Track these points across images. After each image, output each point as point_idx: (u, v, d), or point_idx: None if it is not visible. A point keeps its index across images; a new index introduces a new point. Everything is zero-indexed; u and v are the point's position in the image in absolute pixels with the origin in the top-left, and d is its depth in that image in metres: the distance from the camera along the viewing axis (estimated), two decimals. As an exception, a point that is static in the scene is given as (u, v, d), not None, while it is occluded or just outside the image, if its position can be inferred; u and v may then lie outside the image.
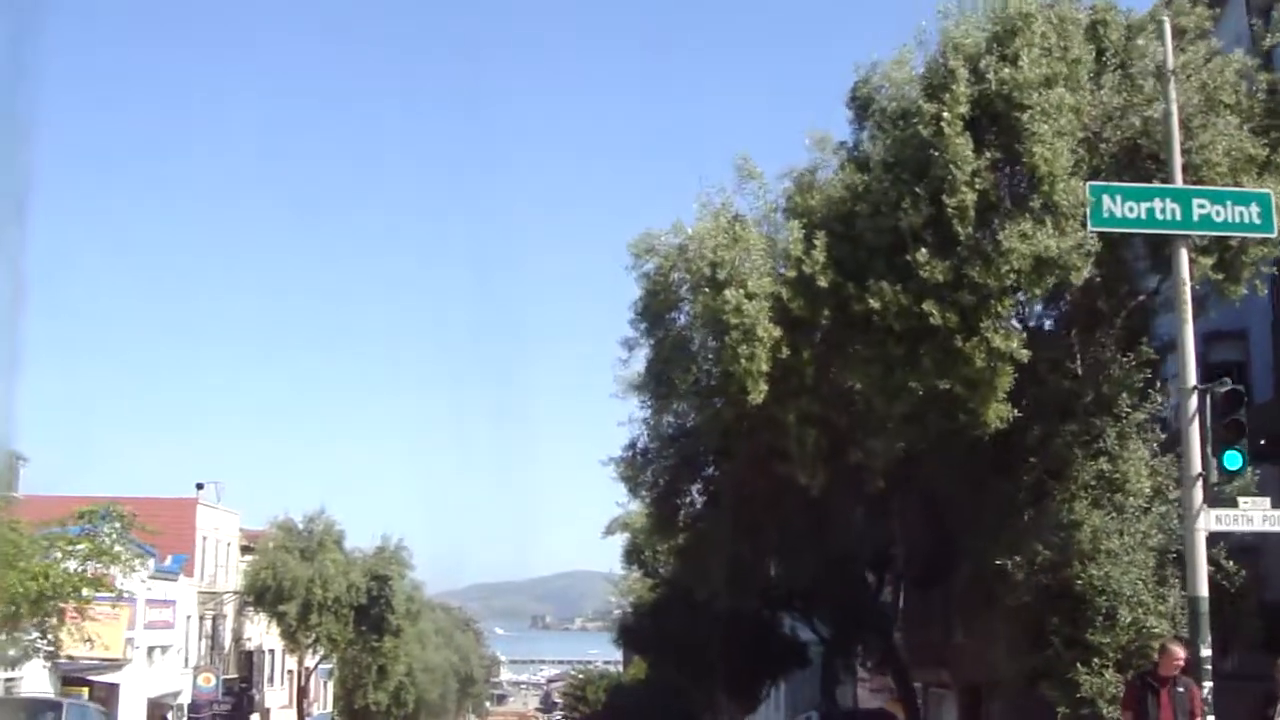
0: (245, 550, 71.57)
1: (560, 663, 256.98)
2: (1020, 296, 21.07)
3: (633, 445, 26.95)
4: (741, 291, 20.01)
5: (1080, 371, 22.95)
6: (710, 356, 21.37)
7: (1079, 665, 21.31)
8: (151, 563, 60.42)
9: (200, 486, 71.36)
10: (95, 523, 36.93)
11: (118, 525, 41.78)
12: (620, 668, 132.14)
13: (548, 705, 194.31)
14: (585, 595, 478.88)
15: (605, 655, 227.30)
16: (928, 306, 19.82)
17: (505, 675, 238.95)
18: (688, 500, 29.17)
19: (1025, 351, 20.27)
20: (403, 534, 69.69)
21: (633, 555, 51.41)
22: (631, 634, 57.54)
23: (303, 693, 70.64)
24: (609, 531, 51.00)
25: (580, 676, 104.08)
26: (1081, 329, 23.07)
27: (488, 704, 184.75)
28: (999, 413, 20.51)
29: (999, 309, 20.10)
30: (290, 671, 79.58)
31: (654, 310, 22.42)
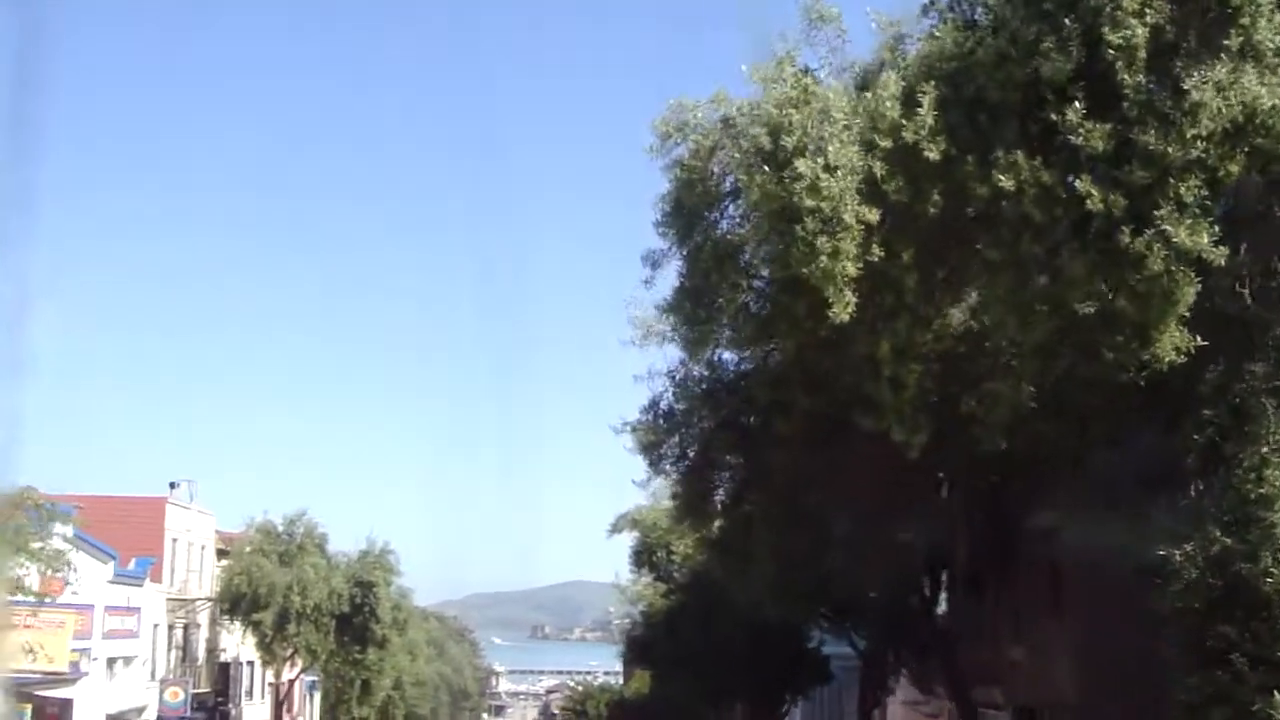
0: (222, 554, 65.30)
1: (559, 673, 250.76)
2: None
3: (654, 406, 20.52)
4: (819, 162, 13.75)
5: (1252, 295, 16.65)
6: (768, 264, 15.09)
7: (1276, 693, 15.22)
8: (111, 566, 54.50)
9: (174, 486, 65.28)
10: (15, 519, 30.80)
11: (53, 523, 36.14)
12: (620, 679, 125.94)
13: (546, 716, 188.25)
14: (585, 605, 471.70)
15: (605, 666, 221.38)
16: (1082, 186, 13.69)
17: (504, 686, 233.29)
18: (726, 476, 22.38)
19: (1220, 250, 14.05)
20: (389, 537, 63.19)
21: (643, 557, 45.08)
22: (640, 646, 50.78)
23: (281, 707, 64.24)
24: (615, 529, 44.93)
25: (580, 690, 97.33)
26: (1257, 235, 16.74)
27: (485, 715, 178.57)
28: (1178, 341, 14.32)
29: (1182, 190, 13.87)
30: (272, 684, 73.32)
31: (688, 210, 16.18)
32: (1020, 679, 32.60)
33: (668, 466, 21.72)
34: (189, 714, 57.70)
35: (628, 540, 45.49)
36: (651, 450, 20.72)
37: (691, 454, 21.35)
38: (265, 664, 61.67)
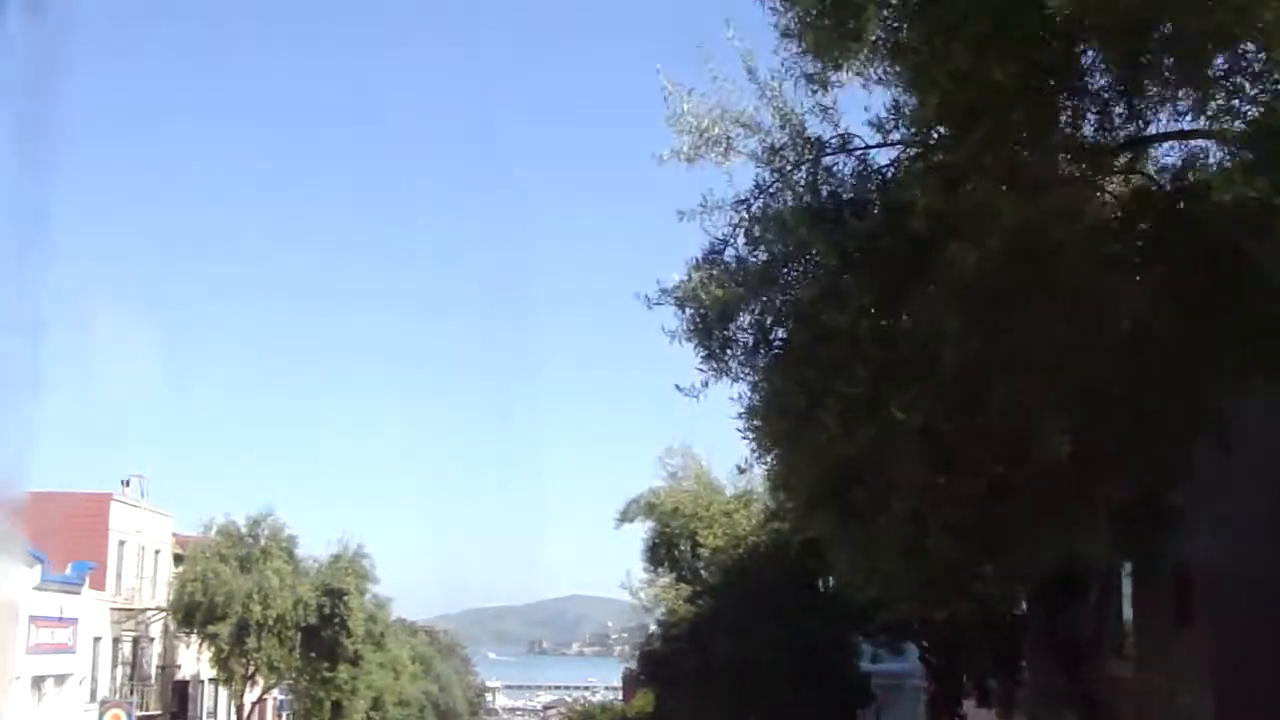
0: (180, 560, 57.43)
1: (557, 688, 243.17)
2: None
3: (715, 254, 12.23)
4: None
5: None
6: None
7: None
8: (39, 570, 46.72)
9: (126, 484, 57.50)
10: None
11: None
12: (620, 696, 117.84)
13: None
14: (583, 620, 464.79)
15: (603, 681, 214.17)
16: None
17: (501, 701, 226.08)
18: (845, 379, 11.92)
19: None
20: (377, 547, 55.31)
21: (660, 552, 36.66)
22: (656, 662, 41.36)
23: None
24: (625, 518, 36.94)
25: (579, 708, 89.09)
26: None
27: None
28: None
29: None
30: (238, 705, 65.43)
31: None
32: (1138, 701, 24.98)
33: (737, 364, 12.62)
34: (134, 739, 49.83)
35: (640, 532, 37.38)
36: (710, 331, 12.31)
37: (782, 331, 12.64)
38: (222, 682, 53.65)
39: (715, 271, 11.95)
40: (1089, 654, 21.88)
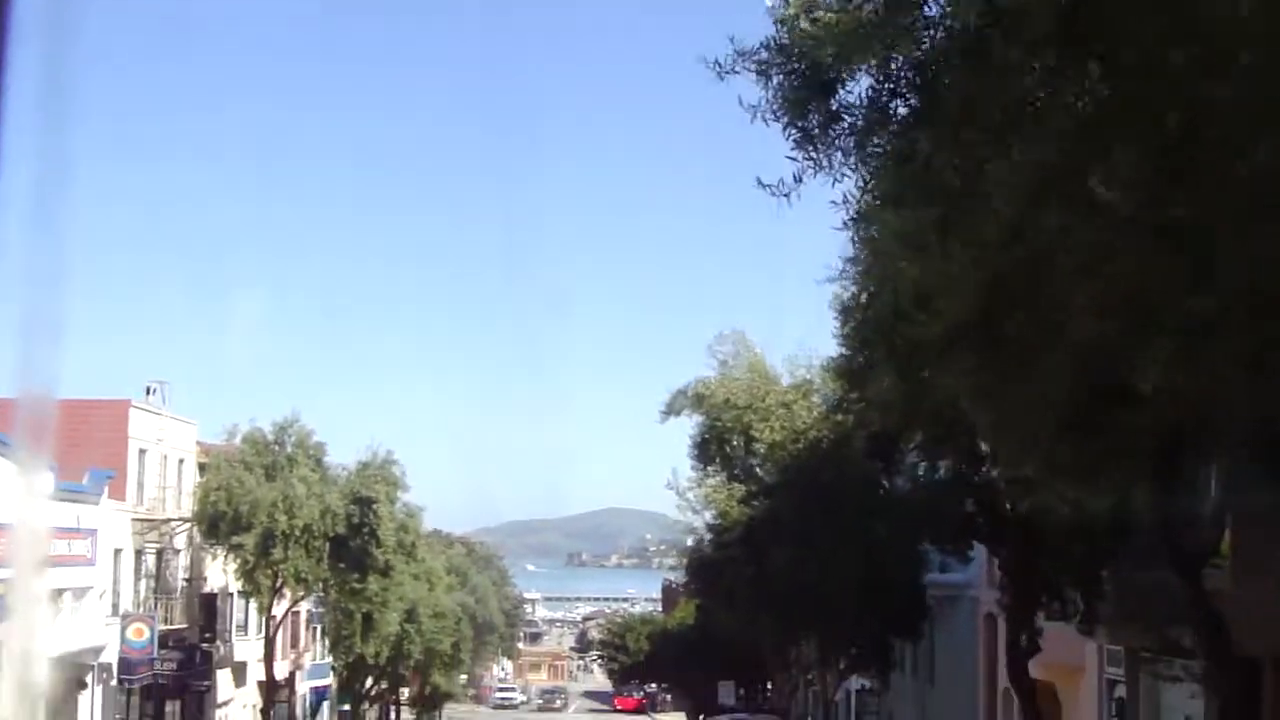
0: (206, 470, 54.97)
1: (596, 600, 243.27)
2: None
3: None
4: None
5: None
6: None
7: None
8: (50, 478, 44.30)
9: (150, 392, 54.95)
10: None
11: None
12: (660, 608, 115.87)
13: (583, 644, 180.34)
14: (622, 532, 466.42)
15: (643, 593, 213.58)
16: None
17: (540, 613, 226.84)
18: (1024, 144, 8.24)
19: None
20: (393, 446, 52.26)
21: (710, 448, 33.44)
22: (706, 571, 38.01)
23: (273, 645, 54.01)
24: (671, 411, 33.75)
25: (618, 621, 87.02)
26: None
27: (519, 644, 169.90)
28: None
29: None
30: (274, 617, 63.34)
31: None
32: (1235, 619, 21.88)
33: (838, 153, 9.11)
34: (156, 654, 47.63)
35: (687, 427, 33.96)
36: (807, 103, 8.80)
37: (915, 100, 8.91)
38: (247, 595, 51.27)
39: (818, 18, 8.55)
40: (1203, 564, 18.84)
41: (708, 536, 34.53)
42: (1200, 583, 18.30)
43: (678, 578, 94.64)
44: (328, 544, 49.14)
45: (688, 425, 33.97)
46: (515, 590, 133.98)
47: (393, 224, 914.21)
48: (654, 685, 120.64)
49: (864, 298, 20.70)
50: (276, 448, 52.07)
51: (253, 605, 57.33)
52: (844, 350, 21.76)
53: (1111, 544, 23.20)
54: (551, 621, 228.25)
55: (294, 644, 67.05)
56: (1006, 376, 10.00)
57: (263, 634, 57.08)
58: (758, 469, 31.54)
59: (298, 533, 48.30)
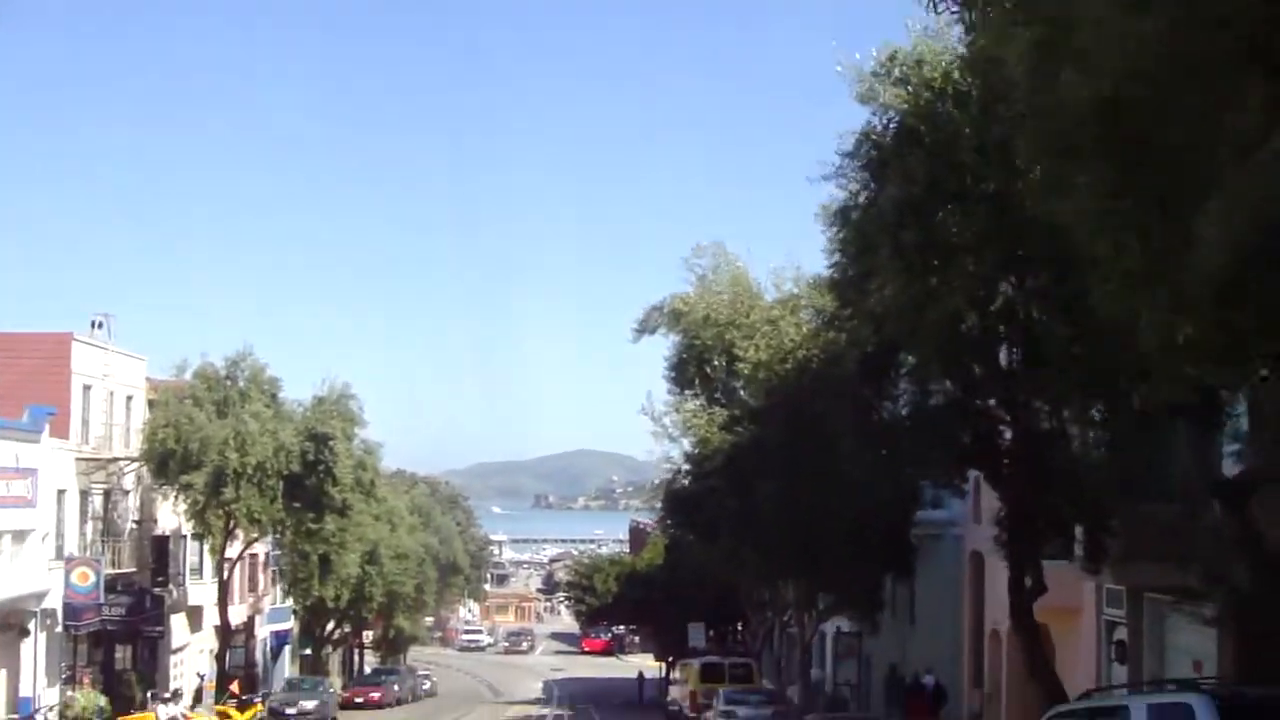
0: (154, 406, 52.37)
1: (563, 541, 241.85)
2: None
3: None
4: None
5: None
6: None
7: None
8: (-20, 414, 41.83)
9: (97, 325, 52.16)
10: None
11: None
12: (627, 549, 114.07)
13: (550, 586, 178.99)
14: (589, 474, 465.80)
15: (610, 534, 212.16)
16: None
17: (507, 555, 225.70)
18: None
19: None
20: (350, 379, 49.84)
21: (688, 370, 30.74)
22: (686, 504, 34.91)
23: (227, 588, 51.76)
24: (644, 329, 31.10)
25: (586, 563, 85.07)
26: None
27: (485, 586, 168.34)
28: None
29: None
30: (228, 560, 61.00)
31: None
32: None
33: None
34: (103, 599, 45.26)
35: (663, 348, 31.14)
36: None
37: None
38: (199, 537, 48.96)
39: None
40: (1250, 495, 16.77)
41: (685, 467, 31.46)
42: (1245, 515, 16.23)
43: (646, 518, 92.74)
44: (282, 483, 46.81)
45: (663, 346, 31.28)
46: (481, 531, 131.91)
47: (347, 143, 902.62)
48: (621, 627, 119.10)
49: (863, 197, 18.48)
50: (228, 383, 49.62)
51: (207, 548, 55.06)
52: (837, 259, 19.53)
53: (1128, 477, 21.19)
54: (518, 563, 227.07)
55: (252, 587, 64.79)
56: (1153, 206, 7.47)
57: (218, 577, 54.82)
58: (741, 392, 28.87)
59: (250, 471, 45.94)
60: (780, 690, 45.64)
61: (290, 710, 51.57)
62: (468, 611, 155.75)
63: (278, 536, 51.11)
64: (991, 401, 22.31)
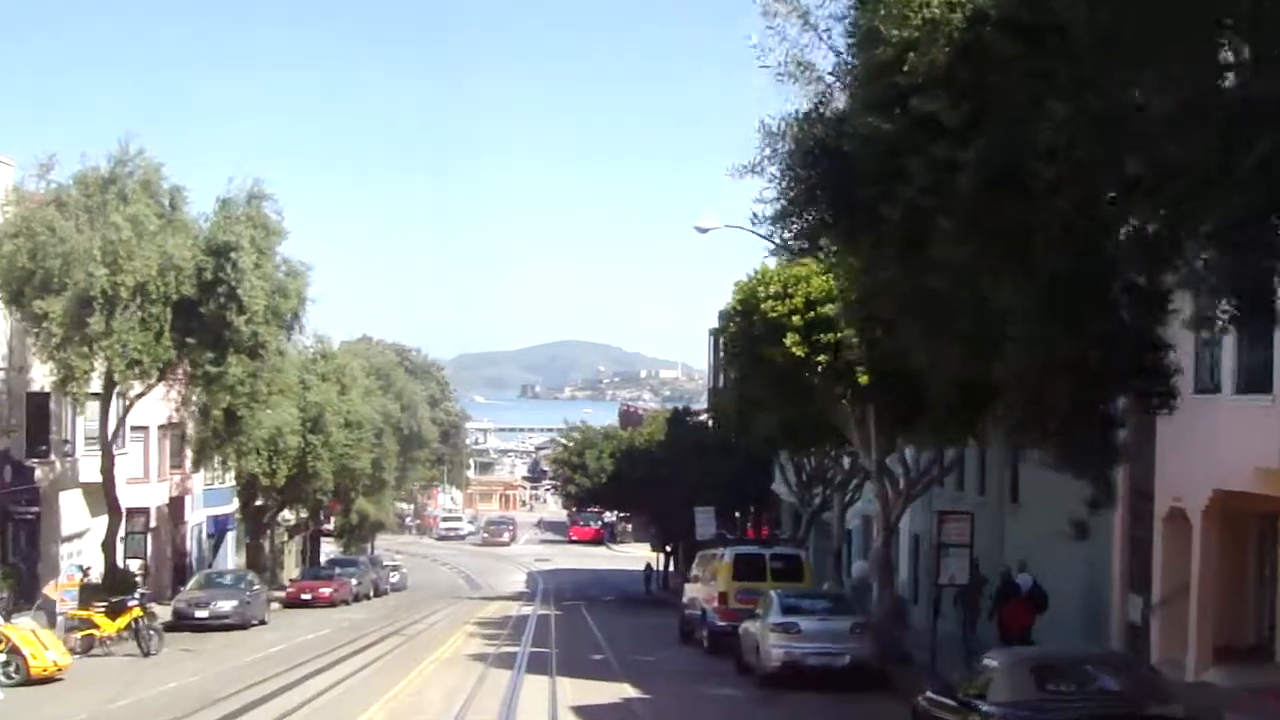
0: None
1: (550, 430, 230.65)
2: None
3: None
4: None
5: None
6: None
7: None
8: None
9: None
10: None
11: None
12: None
13: (535, 474, 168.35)
14: (575, 365, 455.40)
15: (597, 424, 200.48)
16: None
17: (493, 443, 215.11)
18: None
19: None
20: (263, 177, 36.57)
21: None
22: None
23: (110, 455, 38.77)
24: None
25: (577, 437, 72.41)
26: None
27: (468, 473, 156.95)
28: None
29: None
30: (162, 427, 48.21)
31: None
32: None
33: None
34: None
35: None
36: None
37: None
38: (61, 387, 35.70)
39: None
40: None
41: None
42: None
43: (640, 405, 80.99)
44: (169, 311, 33.95)
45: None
46: (457, 405, 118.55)
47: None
48: (613, 514, 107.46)
49: None
50: (112, 187, 36.42)
51: (112, 411, 42.05)
52: None
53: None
54: (504, 452, 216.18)
55: (178, 461, 52.09)
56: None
57: (118, 443, 42.11)
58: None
59: (125, 295, 33.08)
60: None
61: (200, 613, 39.15)
62: (449, 499, 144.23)
63: (170, 383, 38.19)
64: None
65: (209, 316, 34.15)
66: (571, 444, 72.16)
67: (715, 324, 70.27)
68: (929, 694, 16.24)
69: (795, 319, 24.58)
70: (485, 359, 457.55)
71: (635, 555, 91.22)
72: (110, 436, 38.50)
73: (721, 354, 37.29)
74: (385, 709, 21.36)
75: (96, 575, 39.17)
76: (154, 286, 33.46)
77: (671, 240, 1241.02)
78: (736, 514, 62.80)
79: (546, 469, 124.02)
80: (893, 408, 25.15)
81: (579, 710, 21.71)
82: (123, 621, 31.53)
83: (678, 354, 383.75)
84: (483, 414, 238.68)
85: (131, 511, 44.94)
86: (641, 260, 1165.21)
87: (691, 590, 37.25)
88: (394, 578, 68.88)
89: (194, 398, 37.93)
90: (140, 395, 38.22)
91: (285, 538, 70.77)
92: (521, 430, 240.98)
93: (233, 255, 33.60)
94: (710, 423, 57.08)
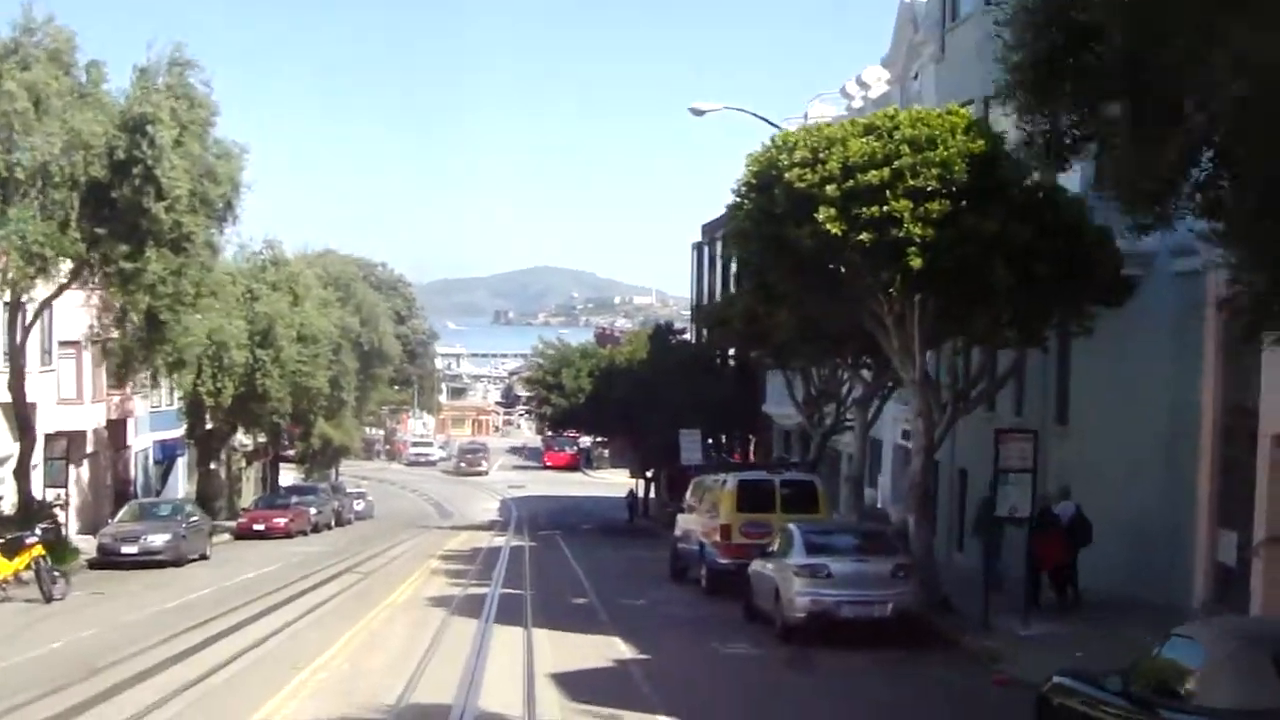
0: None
1: (522, 355, 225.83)
2: None
3: None
4: None
5: None
6: None
7: None
8: None
9: None
10: None
11: None
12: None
13: (509, 399, 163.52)
14: (549, 291, 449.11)
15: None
16: None
17: (465, 369, 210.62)
18: None
19: None
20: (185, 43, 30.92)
21: None
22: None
23: (19, 366, 33.35)
24: None
25: (553, 355, 67.20)
26: None
27: (440, 398, 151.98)
28: None
29: None
30: (95, 343, 42.91)
31: None
32: None
33: None
34: None
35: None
36: None
37: None
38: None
39: None
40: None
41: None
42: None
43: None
44: (77, 197, 28.64)
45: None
46: (426, 324, 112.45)
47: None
48: (589, 439, 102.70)
49: None
50: (13, 56, 30.85)
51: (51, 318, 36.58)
52: None
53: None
54: (477, 378, 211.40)
55: (116, 381, 46.79)
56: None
57: (45, 360, 36.93)
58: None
59: (23, 176, 27.75)
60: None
61: (127, 548, 34.17)
62: (421, 424, 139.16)
63: (86, 291, 32.82)
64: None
65: (123, 203, 28.78)
66: (546, 362, 67.04)
67: (698, 239, 65.70)
68: (1064, 680, 11.35)
69: (830, 189, 19.44)
70: (459, 285, 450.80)
71: (613, 482, 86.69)
72: (19, 345, 33.10)
73: (719, 255, 32.38)
74: (297, 694, 15.93)
75: (9, 506, 34.23)
76: (57, 168, 28.13)
77: (648, 160, 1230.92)
78: (723, 437, 58.11)
79: (520, 394, 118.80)
80: (954, 299, 20.17)
81: (562, 681, 16.79)
82: (21, 561, 26.49)
83: (653, 281, 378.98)
84: (455, 340, 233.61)
85: (56, 435, 39.81)
86: (617, 185, 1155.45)
87: (686, 522, 32.36)
88: (358, 506, 64.18)
89: (114, 301, 32.59)
90: (51, 299, 32.84)
91: (243, 464, 65.77)
92: (494, 356, 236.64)
93: (149, 130, 28.21)
94: (698, 336, 52.19)
